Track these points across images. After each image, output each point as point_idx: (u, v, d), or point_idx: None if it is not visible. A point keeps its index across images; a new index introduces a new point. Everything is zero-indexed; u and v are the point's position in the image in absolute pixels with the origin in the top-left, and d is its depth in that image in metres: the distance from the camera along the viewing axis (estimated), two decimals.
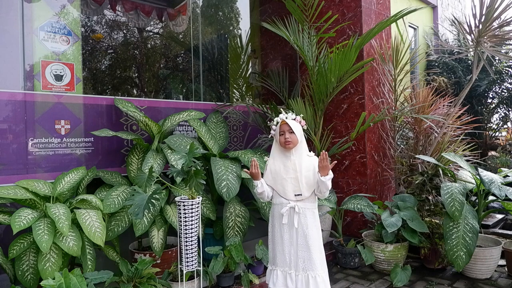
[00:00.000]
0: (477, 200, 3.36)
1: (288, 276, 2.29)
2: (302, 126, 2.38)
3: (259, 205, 3.18)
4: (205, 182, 2.48)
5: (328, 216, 3.81)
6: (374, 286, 3.12)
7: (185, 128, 3.73)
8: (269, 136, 2.59)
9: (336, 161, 2.30)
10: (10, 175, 2.72)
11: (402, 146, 4.41)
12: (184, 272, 2.39)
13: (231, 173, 3.05)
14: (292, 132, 2.28)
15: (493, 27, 3.52)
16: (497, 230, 3.99)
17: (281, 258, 2.31)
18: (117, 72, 4.08)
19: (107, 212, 2.63)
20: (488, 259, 3.16)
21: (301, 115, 2.48)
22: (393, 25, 4.04)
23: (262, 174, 2.38)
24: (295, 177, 2.28)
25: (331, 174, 2.21)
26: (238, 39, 4.94)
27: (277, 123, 2.36)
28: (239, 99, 4.80)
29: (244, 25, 4.96)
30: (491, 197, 3.40)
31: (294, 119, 2.35)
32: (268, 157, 2.43)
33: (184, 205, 2.34)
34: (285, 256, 2.30)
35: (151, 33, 4.46)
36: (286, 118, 2.33)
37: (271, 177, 2.34)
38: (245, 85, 4.98)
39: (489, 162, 5.79)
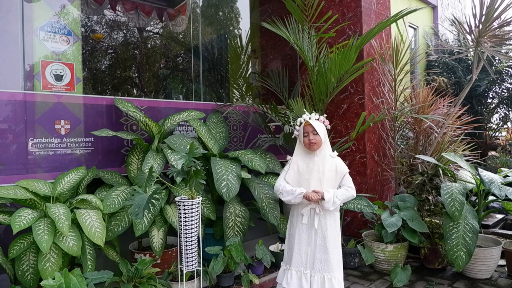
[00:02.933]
0: (477, 200, 3.35)
1: (303, 276, 2.28)
2: (326, 126, 2.37)
3: (259, 205, 3.18)
4: (205, 182, 2.48)
5: None
6: (374, 286, 3.12)
7: (185, 128, 3.73)
8: (293, 136, 2.60)
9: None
10: (10, 175, 2.72)
11: (402, 146, 4.41)
12: (184, 272, 2.39)
13: (231, 173, 3.04)
14: (316, 133, 2.28)
15: (493, 27, 3.51)
16: (497, 230, 3.99)
17: (297, 258, 2.31)
18: (117, 72, 4.08)
19: (107, 212, 2.63)
20: (488, 259, 3.16)
21: (325, 115, 2.47)
22: (393, 25, 4.04)
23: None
24: (317, 178, 2.28)
25: (327, 197, 2.22)
26: (238, 39, 4.93)
27: (301, 123, 2.36)
28: (239, 99, 4.80)
29: (244, 25, 4.96)
30: (491, 197, 3.40)
31: (318, 119, 2.35)
32: (289, 156, 2.44)
33: (184, 205, 2.34)
34: (302, 256, 2.30)
35: (151, 33, 4.46)
36: (310, 118, 2.33)
37: (294, 177, 2.34)
38: (245, 85, 4.97)
39: (489, 162, 5.79)
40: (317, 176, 2.28)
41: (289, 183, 2.36)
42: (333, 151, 2.41)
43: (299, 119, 2.38)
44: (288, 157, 2.45)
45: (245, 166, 3.22)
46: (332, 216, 2.31)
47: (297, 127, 2.39)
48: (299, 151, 2.39)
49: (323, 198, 2.22)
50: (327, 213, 2.29)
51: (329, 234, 2.27)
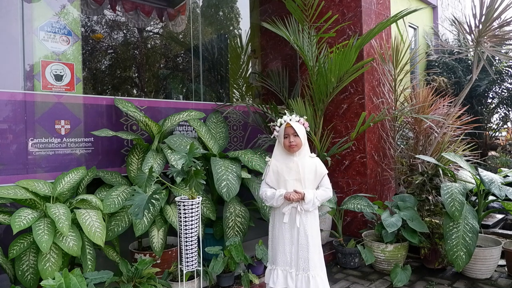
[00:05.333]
0: (477, 200, 3.35)
1: (288, 275, 2.29)
2: (306, 128, 2.38)
3: (259, 205, 3.18)
4: (205, 182, 2.48)
5: (328, 216, 3.81)
6: (374, 286, 3.12)
7: (185, 128, 3.73)
8: (271, 136, 2.60)
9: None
10: (10, 175, 2.72)
11: (402, 146, 4.41)
12: (184, 272, 2.39)
13: (231, 173, 3.04)
14: (296, 135, 2.28)
15: (493, 27, 3.51)
16: (497, 230, 3.99)
17: (282, 258, 2.31)
18: (117, 72, 4.08)
19: (107, 212, 2.63)
20: (488, 259, 3.16)
21: (305, 117, 2.48)
22: (393, 25, 4.04)
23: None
24: (297, 178, 2.28)
25: (308, 198, 2.23)
26: (238, 39, 4.94)
27: (281, 124, 2.36)
28: (239, 99, 4.80)
29: (244, 25, 4.96)
30: (491, 197, 3.39)
31: (298, 121, 2.35)
32: (270, 157, 2.44)
33: (184, 205, 2.34)
34: (286, 255, 2.30)
35: (151, 33, 4.46)
36: (291, 120, 2.33)
37: (274, 178, 2.35)
38: (245, 85, 4.97)
39: (489, 162, 5.79)
40: (297, 176, 2.29)
41: (269, 184, 2.37)
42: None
43: (279, 120, 2.38)
44: (267, 158, 2.44)
45: (245, 166, 3.22)
46: (313, 214, 2.32)
47: (277, 128, 2.39)
48: (278, 152, 2.39)
49: (303, 199, 2.23)
50: (308, 211, 2.29)
51: (310, 233, 2.28)
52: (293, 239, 2.30)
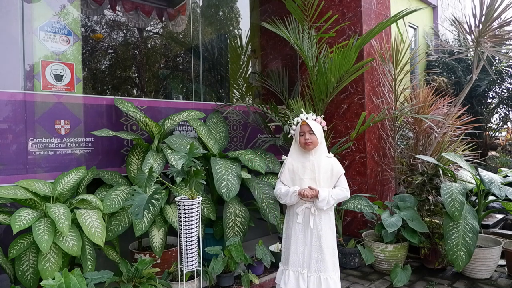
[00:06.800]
0: (477, 200, 3.35)
1: (300, 276, 2.28)
2: (323, 127, 2.38)
3: (259, 205, 3.18)
4: (205, 182, 2.48)
5: None
6: (374, 286, 3.12)
7: (185, 128, 3.73)
8: (289, 135, 2.61)
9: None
10: (10, 175, 2.72)
11: (402, 146, 4.41)
12: (184, 272, 2.39)
13: (231, 173, 3.04)
14: (312, 133, 2.29)
15: (493, 27, 3.51)
16: (497, 230, 3.99)
17: (294, 258, 2.31)
18: (117, 72, 4.08)
19: (107, 212, 2.63)
20: (488, 259, 3.16)
21: (322, 115, 2.48)
22: (393, 25, 4.04)
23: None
24: (313, 177, 2.28)
25: (322, 196, 2.22)
26: (238, 39, 4.93)
27: (297, 123, 2.37)
28: (239, 99, 4.80)
29: (244, 25, 4.96)
30: (491, 197, 3.40)
31: (315, 120, 2.36)
32: (286, 156, 2.44)
33: (184, 205, 2.34)
34: (299, 256, 2.30)
35: (151, 33, 4.46)
36: (307, 118, 2.34)
37: (289, 176, 2.35)
38: (245, 85, 4.97)
39: (489, 162, 5.79)
40: (312, 175, 2.29)
41: (284, 183, 2.37)
42: (329, 152, 2.41)
43: (296, 118, 2.40)
44: (284, 157, 2.45)
45: (245, 166, 3.22)
46: (327, 215, 2.32)
47: (293, 126, 2.40)
48: (294, 150, 2.40)
49: (317, 197, 2.22)
50: (322, 212, 2.29)
51: (323, 234, 2.27)
52: (306, 240, 2.29)
